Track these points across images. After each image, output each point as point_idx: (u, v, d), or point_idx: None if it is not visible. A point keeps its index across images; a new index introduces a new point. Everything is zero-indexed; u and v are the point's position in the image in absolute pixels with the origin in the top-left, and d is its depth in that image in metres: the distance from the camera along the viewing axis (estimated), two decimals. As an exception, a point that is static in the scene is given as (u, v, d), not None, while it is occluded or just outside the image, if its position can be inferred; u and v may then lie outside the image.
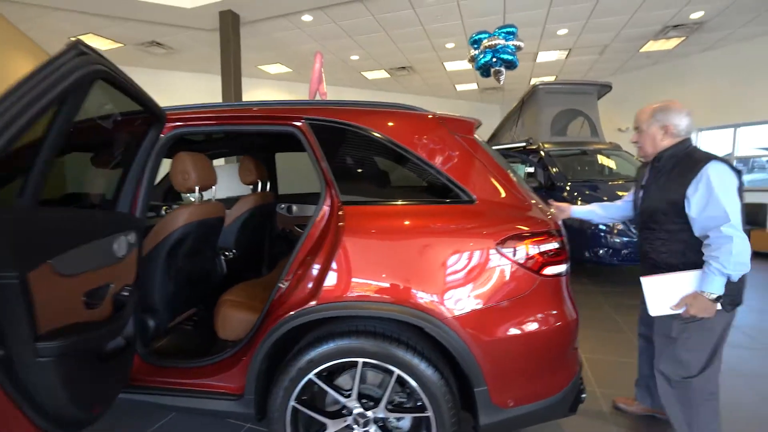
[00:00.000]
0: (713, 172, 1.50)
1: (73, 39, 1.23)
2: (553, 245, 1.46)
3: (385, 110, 1.73)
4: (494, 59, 5.74)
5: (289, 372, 1.46)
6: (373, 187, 1.75)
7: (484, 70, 6.01)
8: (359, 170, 1.76)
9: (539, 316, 1.44)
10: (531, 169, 6.46)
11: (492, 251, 1.41)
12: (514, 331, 1.42)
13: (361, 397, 1.49)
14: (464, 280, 1.41)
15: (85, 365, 1.33)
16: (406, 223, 1.53)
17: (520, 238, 1.43)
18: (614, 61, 8.70)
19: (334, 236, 1.50)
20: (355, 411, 1.49)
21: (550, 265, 1.44)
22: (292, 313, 1.48)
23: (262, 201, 2.61)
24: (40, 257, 1.11)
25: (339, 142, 1.68)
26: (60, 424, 1.24)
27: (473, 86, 10.69)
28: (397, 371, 1.41)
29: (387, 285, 1.44)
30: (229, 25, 6.16)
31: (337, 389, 1.50)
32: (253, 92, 9.78)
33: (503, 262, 1.41)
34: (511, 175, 1.65)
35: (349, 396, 1.48)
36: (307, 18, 6.44)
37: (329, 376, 1.51)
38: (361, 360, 1.43)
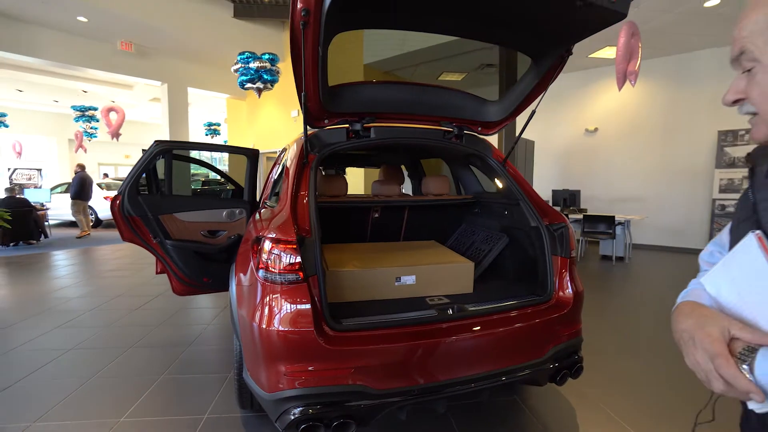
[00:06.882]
0: None
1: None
2: (276, 254, 1.61)
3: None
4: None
5: None
6: (267, 194, 2.59)
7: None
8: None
9: (249, 309, 1.66)
10: None
11: (249, 245, 1.82)
12: (240, 310, 1.78)
13: None
14: (242, 258, 1.97)
15: (195, 256, 2.77)
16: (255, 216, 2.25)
17: (258, 240, 1.70)
18: None
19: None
20: None
21: (266, 269, 1.61)
22: None
23: None
24: (166, 211, 2.57)
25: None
26: (184, 273, 2.76)
27: None
28: None
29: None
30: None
31: None
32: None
33: (250, 255, 1.78)
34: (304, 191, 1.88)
35: None
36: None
37: None
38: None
